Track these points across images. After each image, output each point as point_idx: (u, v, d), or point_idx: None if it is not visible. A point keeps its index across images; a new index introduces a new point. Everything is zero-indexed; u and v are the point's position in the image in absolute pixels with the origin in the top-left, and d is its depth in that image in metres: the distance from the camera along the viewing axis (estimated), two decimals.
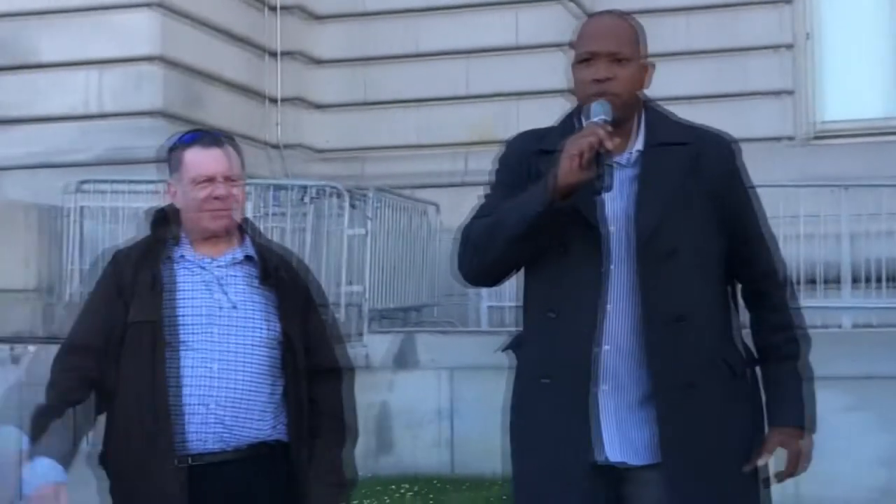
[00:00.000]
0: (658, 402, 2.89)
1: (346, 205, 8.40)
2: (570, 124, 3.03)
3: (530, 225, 2.85)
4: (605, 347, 2.91)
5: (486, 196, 3.07)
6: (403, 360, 7.78)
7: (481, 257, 2.96)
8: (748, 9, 10.88)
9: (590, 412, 2.92)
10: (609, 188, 2.80)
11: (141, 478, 3.17)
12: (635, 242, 2.91)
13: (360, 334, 7.99)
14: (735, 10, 10.89)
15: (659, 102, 3.08)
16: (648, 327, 2.90)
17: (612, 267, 2.92)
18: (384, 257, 8.79)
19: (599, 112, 2.86)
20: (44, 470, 3.09)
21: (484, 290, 9.00)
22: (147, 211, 3.46)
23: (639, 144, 2.99)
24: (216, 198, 3.24)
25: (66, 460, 3.14)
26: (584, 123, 2.88)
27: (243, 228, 3.38)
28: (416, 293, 9.43)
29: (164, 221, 3.36)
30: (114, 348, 3.21)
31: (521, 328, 3.12)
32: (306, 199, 8.67)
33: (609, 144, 2.76)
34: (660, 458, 2.90)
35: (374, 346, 7.89)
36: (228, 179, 3.26)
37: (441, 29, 11.16)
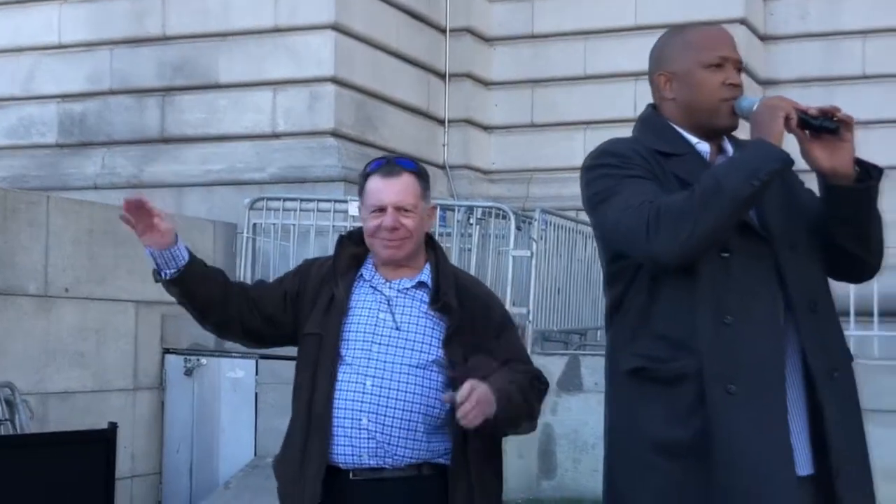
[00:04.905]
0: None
1: (512, 226, 8.42)
2: (668, 130, 3.05)
3: (761, 186, 2.81)
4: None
5: (616, 194, 2.94)
6: (568, 383, 7.74)
7: (695, 226, 2.79)
8: None
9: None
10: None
11: (293, 484, 3.28)
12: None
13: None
14: None
15: None
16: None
17: (777, 263, 2.93)
18: (549, 279, 8.78)
19: (752, 101, 2.95)
20: None
21: None
22: (341, 235, 3.58)
23: None
24: (385, 228, 3.31)
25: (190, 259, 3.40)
26: (757, 105, 2.93)
27: (430, 251, 3.44)
28: (579, 316, 9.39)
29: (350, 241, 3.45)
30: (256, 313, 3.41)
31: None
32: (472, 220, 8.71)
33: (813, 110, 2.87)
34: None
35: (540, 367, 7.88)
36: (400, 209, 3.31)
37: (610, 51, 11.14)
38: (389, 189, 3.32)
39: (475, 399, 3.05)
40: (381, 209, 3.30)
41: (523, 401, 3.25)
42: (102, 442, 3.68)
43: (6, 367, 6.88)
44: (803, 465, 2.89)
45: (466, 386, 3.07)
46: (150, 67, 10.41)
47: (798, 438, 2.89)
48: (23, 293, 7.25)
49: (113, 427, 3.71)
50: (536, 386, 3.36)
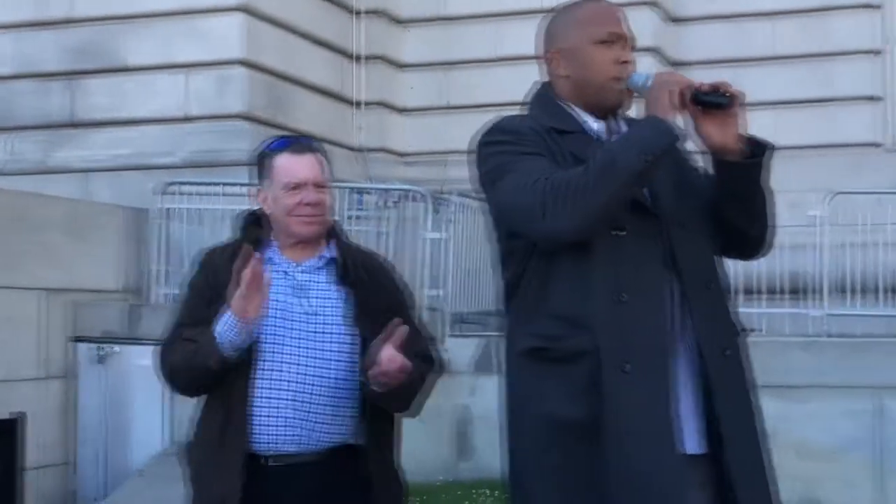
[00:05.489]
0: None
1: (429, 209, 8.41)
2: (559, 108, 3.03)
3: (653, 162, 2.81)
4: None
5: (509, 171, 2.92)
6: (485, 364, 7.76)
7: (588, 203, 2.79)
8: (836, 14, 10.74)
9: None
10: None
11: (209, 468, 3.25)
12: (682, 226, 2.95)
13: (442, 338, 7.99)
14: (823, 14, 10.75)
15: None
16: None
17: (668, 239, 2.92)
18: (465, 262, 8.79)
19: (645, 77, 2.93)
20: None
21: None
22: (238, 214, 3.50)
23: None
24: (307, 204, 3.27)
25: None
26: (650, 82, 2.91)
27: (330, 232, 3.40)
28: (496, 298, 9.39)
29: (254, 225, 3.40)
30: None
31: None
32: (389, 203, 8.69)
33: (704, 86, 2.86)
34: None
35: (455, 351, 7.87)
36: (318, 186, 3.28)
37: (523, 33, 11.10)
38: (304, 165, 3.30)
39: (399, 364, 3.13)
40: (298, 186, 3.26)
41: (420, 378, 3.31)
42: (6, 432, 3.58)
43: None
44: (695, 443, 2.89)
45: (393, 353, 3.12)
46: (56, 51, 10.22)
47: (689, 417, 2.89)
48: None
49: (18, 416, 3.60)
50: (423, 368, 3.38)
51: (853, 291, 8.44)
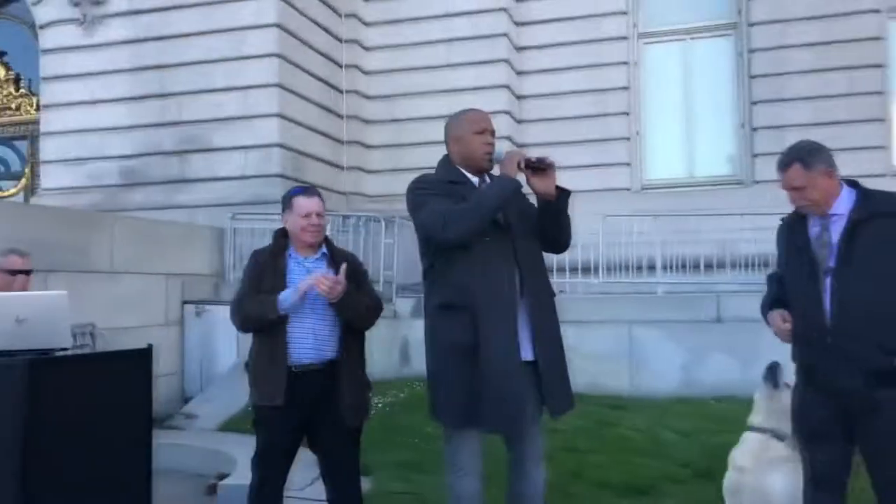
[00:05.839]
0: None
1: (383, 226, 8.38)
2: (454, 170, 3.04)
3: (505, 200, 2.82)
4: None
5: (426, 204, 2.93)
6: (415, 312, 7.76)
7: (469, 223, 2.80)
8: (608, 118, 10.85)
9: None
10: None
11: (263, 377, 3.19)
12: (522, 232, 2.97)
13: (392, 298, 7.97)
14: (602, 118, 10.85)
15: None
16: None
17: (513, 243, 2.93)
18: (405, 255, 8.76)
19: (501, 153, 2.99)
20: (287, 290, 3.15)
21: None
22: (274, 231, 3.48)
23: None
24: (312, 224, 3.26)
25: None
26: (504, 155, 2.94)
27: (325, 240, 3.39)
28: (421, 275, 9.35)
29: (281, 237, 3.37)
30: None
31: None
32: (361, 224, 8.64)
33: (533, 158, 2.90)
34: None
35: (400, 305, 7.89)
36: (318, 214, 3.29)
37: (437, 129, 11.05)
38: (312, 203, 3.28)
39: (337, 285, 3.13)
40: (308, 214, 3.24)
41: (359, 303, 3.27)
42: (144, 356, 3.51)
43: (91, 314, 6.54)
44: (528, 354, 2.91)
45: (333, 280, 3.14)
46: (172, 139, 9.99)
47: (525, 340, 2.91)
48: (97, 271, 6.91)
49: (150, 347, 3.53)
50: (372, 304, 3.36)
51: (616, 269, 8.57)
